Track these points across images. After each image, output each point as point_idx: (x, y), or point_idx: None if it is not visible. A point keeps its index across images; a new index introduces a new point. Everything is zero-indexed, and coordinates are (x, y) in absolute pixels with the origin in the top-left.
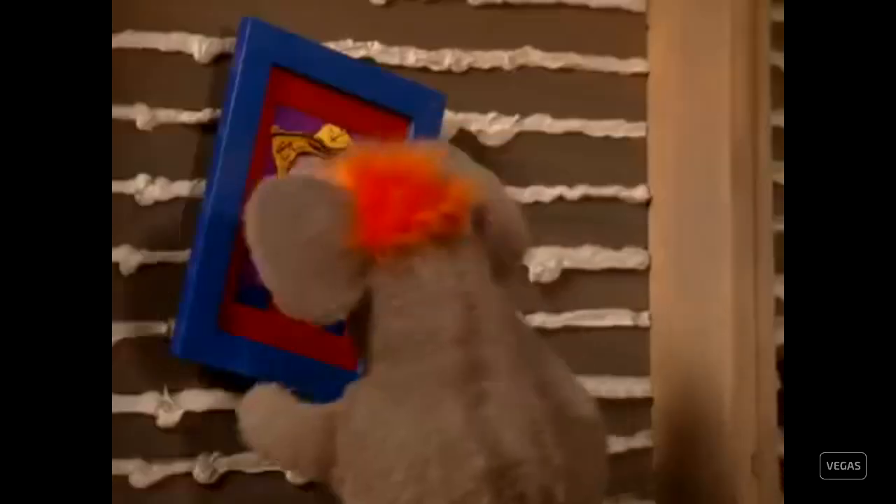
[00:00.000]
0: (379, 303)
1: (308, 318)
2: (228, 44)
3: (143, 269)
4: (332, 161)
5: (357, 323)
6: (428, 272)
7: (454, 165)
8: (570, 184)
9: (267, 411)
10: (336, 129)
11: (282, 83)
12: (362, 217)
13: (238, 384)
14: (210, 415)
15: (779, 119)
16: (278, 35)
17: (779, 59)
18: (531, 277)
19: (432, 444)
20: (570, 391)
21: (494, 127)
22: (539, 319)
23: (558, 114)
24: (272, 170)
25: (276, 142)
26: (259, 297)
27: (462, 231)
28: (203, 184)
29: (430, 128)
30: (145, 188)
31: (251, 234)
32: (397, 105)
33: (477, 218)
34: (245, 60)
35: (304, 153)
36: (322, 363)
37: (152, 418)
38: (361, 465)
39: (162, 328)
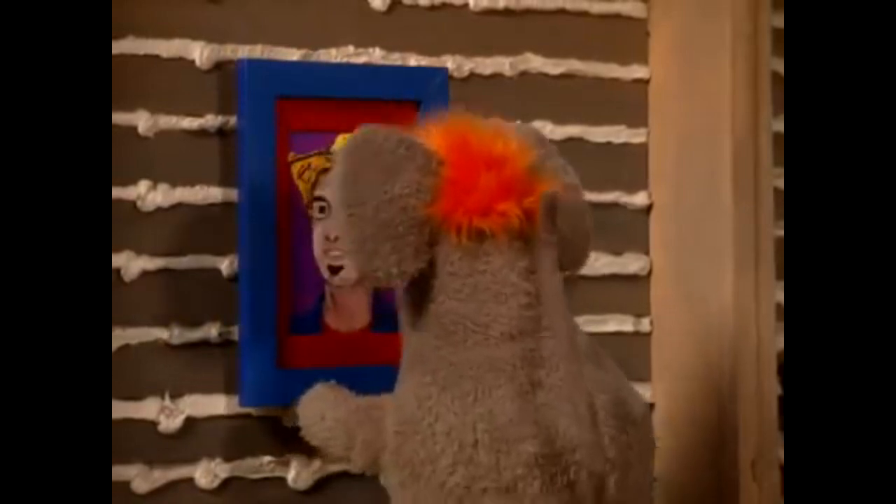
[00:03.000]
0: (440, 280)
1: (369, 277)
2: (230, 50)
3: (144, 275)
4: (428, 124)
5: (408, 292)
6: (496, 263)
7: (542, 155)
8: None
9: (321, 406)
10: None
11: (289, 111)
12: (447, 191)
13: (237, 387)
14: (211, 420)
15: (779, 125)
16: (276, 66)
17: (779, 65)
18: None
19: (480, 428)
20: (626, 391)
21: None
22: None
23: (559, 119)
24: (297, 200)
25: (296, 168)
26: (312, 323)
27: (537, 227)
28: (202, 187)
29: (439, 106)
30: (147, 194)
31: (339, 178)
32: (402, 94)
33: (547, 209)
34: (250, 98)
35: (324, 170)
36: (382, 366)
37: (154, 424)
38: (410, 452)
39: (164, 334)
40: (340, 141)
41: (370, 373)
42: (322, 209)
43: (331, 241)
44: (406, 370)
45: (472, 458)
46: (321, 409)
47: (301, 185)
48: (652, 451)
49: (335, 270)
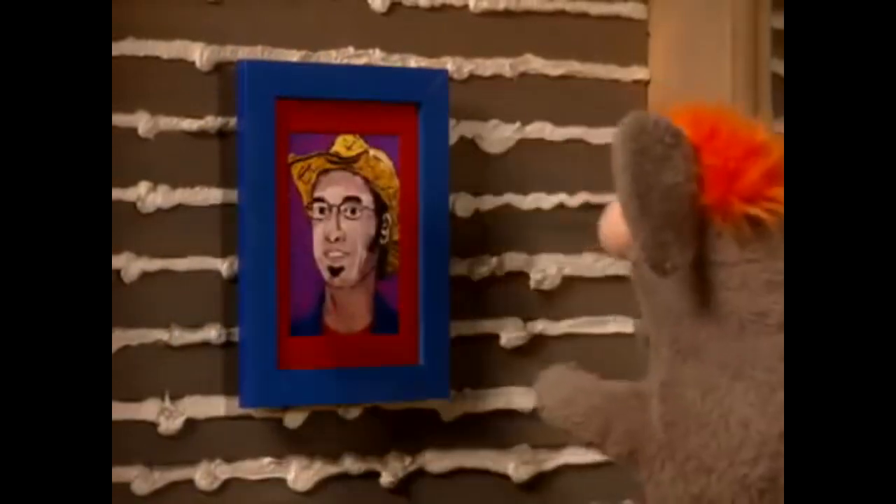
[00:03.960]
0: (706, 269)
1: (657, 266)
2: (230, 52)
3: (144, 276)
4: (670, 109)
5: (665, 284)
6: (764, 250)
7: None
8: (571, 191)
9: (571, 389)
10: (350, 138)
11: (289, 111)
12: (712, 178)
13: (238, 388)
14: (211, 422)
15: (779, 126)
16: (276, 67)
17: (779, 67)
18: (532, 285)
19: (783, 420)
20: None
21: (495, 134)
22: (540, 326)
23: (559, 121)
24: (297, 201)
25: (296, 169)
26: (313, 324)
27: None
28: (203, 188)
29: (439, 107)
30: (147, 195)
31: (622, 168)
32: (402, 95)
33: None
34: (250, 100)
35: (324, 171)
36: (382, 367)
37: (154, 425)
38: (694, 445)
39: (164, 335)
40: (341, 143)
41: (370, 374)
42: (322, 210)
43: (331, 242)
44: (673, 361)
45: (777, 450)
46: (567, 392)
47: (301, 187)
48: None
49: (336, 272)
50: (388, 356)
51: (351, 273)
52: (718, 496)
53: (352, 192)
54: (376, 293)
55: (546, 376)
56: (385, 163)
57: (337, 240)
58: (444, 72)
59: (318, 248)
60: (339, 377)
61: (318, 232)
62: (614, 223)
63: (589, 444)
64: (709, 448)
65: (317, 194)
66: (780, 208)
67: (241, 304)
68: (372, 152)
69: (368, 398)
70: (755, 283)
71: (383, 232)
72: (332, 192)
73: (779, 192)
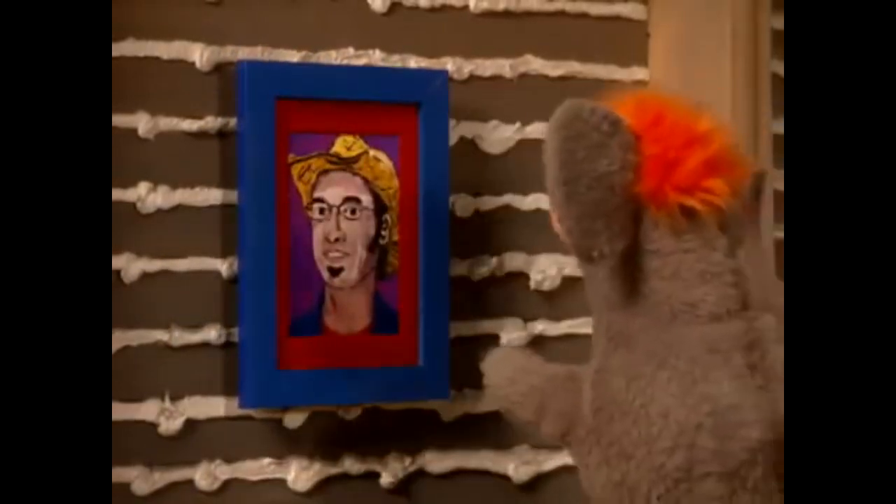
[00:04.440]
0: (641, 258)
1: (584, 255)
2: (229, 52)
3: (144, 276)
4: (617, 96)
5: (600, 272)
6: (700, 241)
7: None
8: None
9: (514, 368)
10: (350, 138)
11: (289, 112)
12: (650, 167)
13: (238, 389)
14: (211, 422)
15: (779, 127)
16: (275, 68)
17: (779, 67)
18: (532, 285)
19: (702, 411)
20: None
21: (495, 135)
22: (540, 327)
23: None
24: (297, 202)
25: (296, 169)
26: (312, 324)
27: (741, 203)
28: (202, 188)
29: (439, 107)
30: (147, 196)
31: (551, 154)
32: (402, 96)
33: (755, 187)
34: (250, 100)
35: (324, 171)
36: (382, 367)
37: (154, 426)
38: (618, 431)
39: (163, 335)
40: (341, 143)
41: (370, 374)
42: (322, 210)
43: (331, 242)
44: (605, 349)
45: (694, 441)
46: (511, 371)
47: (301, 187)
48: None
49: (335, 272)
50: (388, 356)
51: (351, 273)
52: (636, 483)
53: (352, 193)
54: (376, 293)
55: (493, 354)
56: (385, 163)
57: (337, 240)
58: (443, 72)
59: (317, 249)
60: (339, 377)
61: (318, 232)
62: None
63: (527, 423)
64: (630, 435)
65: (317, 195)
66: (717, 199)
67: (241, 304)
68: (372, 153)
69: (368, 398)
70: (689, 273)
71: (383, 232)
72: (332, 192)
73: (717, 183)
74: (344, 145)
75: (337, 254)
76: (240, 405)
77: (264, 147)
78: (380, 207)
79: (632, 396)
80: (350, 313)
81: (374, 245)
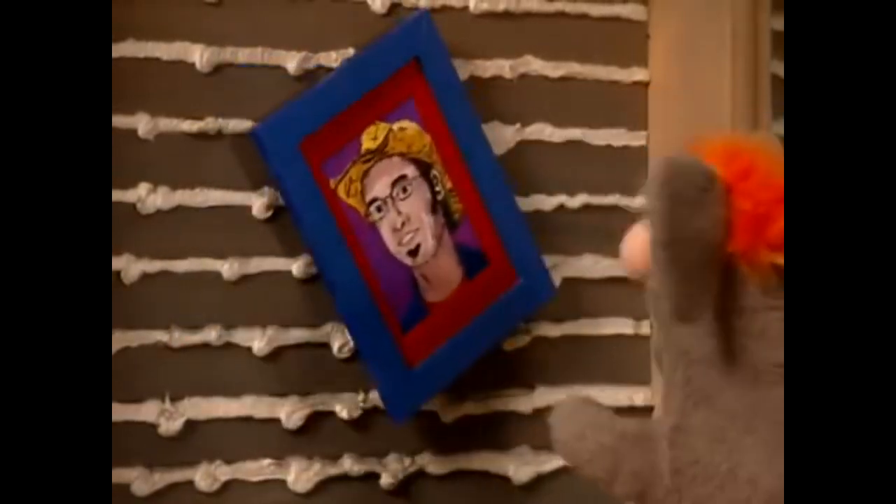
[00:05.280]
0: (727, 315)
1: (683, 316)
2: (229, 53)
3: (144, 277)
4: (705, 142)
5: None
6: (782, 300)
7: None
8: (571, 192)
9: (582, 424)
10: (371, 129)
11: (313, 144)
12: (739, 222)
13: (237, 390)
14: (211, 423)
15: (779, 127)
16: (285, 117)
17: (779, 68)
18: None
19: (787, 478)
20: None
21: (495, 135)
22: (540, 328)
23: (559, 122)
24: (356, 217)
25: (341, 190)
26: (417, 311)
27: None
28: (202, 189)
29: (434, 47)
30: (147, 197)
31: (653, 212)
32: (399, 63)
33: None
34: (281, 159)
35: (364, 174)
36: (492, 305)
37: (154, 426)
38: (702, 494)
39: (164, 336)
40: (367, 139)
41: (485, 318)
42: (379, 208)
43: (399, 230)
44: (683, 405)
45: None
46: (580, 427)
47: (352, 202)
48: None
49: (414, 252)
50: (492, 291)
51: (427, 245)
52: None
53: (395, 175)
54: (456, 245)
55: (561, 408)
56: (410, 126)
57: (403, 224)
58: (424, 14)
59: (391, 243)
60: (461, 341)
61: (385, 229)
62: (639, 252)
63: (598, 482)
64: (715, 500)
65: (368, 198)
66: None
67: (356, 339)
68: (395, 126)
69: (493, 340)
70: (774, 331)
71: (437, 188)
72: (379, 186)
73: None
74: (369, 138)
75: (408, 236)
76: (395, 422)
77: (312, 193)
78: (424, 169)
79: (718, 460)
80: (444, 278)
81: (434, 205)
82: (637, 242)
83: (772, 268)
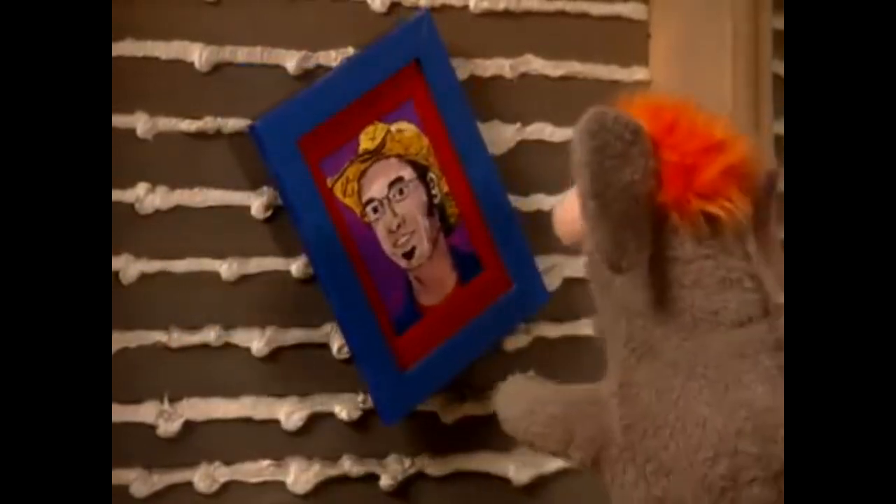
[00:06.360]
0: (660, 266)
1: (614, 265)
2: (228, 52)
3: (143, 277)
4: (628, 100)
5: (616, 281)
6: (719, 247)
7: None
8: None
9: (529, 399)
10: (370, 129)
11: (312, 142)
12: (670, 174)
13: (236, 390)
14: (210, 424)
15: (779, 127)
16: (284, 114)
17: (779, 68)
18: None
19: (740, 417)
20: None
21: (495, 135)
22: (540, 329)
23: (559, 122)
24: (352, 217)
25: (338, 189)
26: (410, 314)
27: (756, 209)
28: (201, 189)
29: (434, 48)
30: (145, 196)
31: (580, 166)
32: (399, 64)
33: (768, 186)
34: (279, 156)
35: (361, 174)
36: (487, 309)
37: (152, 427)
38: (654, 447)
39: (163, 337)
40: (365, 140)
41: (479, 322)
42: (375, 209)
43: (394, 231)
44: (627, 361)
45: (736, 448)
46: (526, 403)
47: (349, 201)
48: None
49: (409, 254)
50: (486, 295)
51: (422, 248)
52: (680, 497)
53: (392, 177)
54: (451, 248)
55: (505, 388)
56: (408, 128)
57: (399, 226)
58: (425, 14)
59: (386, 245)
60: (455, 344)
61: (381, 230)
62: (569, 214)
63: (552, 454)
64: (668, 449)
65: (364, 199)
66: (737, 207)
67: (347, 338)
68: (394, 128)
69: (487, 344)
70: (709, 280)
71: (433, 192)
72: (376, 187)
73: (735, 190)
74: (367, 138)
75: (403, 238)
76: (385, 424)
77: (308, 189)
78: (421, 172)
79: (666, 409)
80: (438, 281)
81: (431, 208)
82: (568, 207)
83: (702, 217)
